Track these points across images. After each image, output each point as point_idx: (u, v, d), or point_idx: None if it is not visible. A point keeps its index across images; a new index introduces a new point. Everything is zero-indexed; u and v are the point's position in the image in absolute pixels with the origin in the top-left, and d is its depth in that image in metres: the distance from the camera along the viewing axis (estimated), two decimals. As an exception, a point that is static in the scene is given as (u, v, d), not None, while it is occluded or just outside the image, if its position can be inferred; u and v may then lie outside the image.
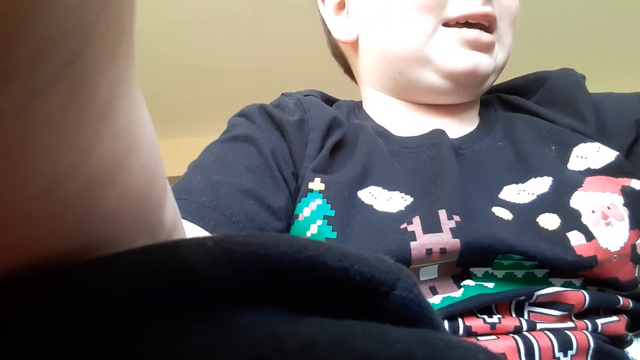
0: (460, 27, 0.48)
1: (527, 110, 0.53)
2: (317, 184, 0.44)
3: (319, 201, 0.43)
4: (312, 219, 0.43)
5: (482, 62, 0.48)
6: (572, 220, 0.40)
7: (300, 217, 0.43)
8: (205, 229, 0.38)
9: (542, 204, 0.42)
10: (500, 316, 0.38)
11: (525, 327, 0.37)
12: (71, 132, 0.10)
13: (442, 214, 0.40)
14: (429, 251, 0.38)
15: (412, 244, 0.39)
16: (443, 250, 0.38)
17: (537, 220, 0.41)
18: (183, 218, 0.37)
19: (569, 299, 0.39)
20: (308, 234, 0.42)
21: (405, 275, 0.15)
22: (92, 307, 0.12)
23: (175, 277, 0.12)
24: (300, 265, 0.14)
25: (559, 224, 0.40)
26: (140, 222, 0.15)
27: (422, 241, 0.39)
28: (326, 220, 0.42)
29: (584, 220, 0.40)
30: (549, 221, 0.41)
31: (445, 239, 0.39)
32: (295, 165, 0.47)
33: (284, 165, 0.46)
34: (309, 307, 0.14)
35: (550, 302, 0.39)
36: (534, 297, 0.38)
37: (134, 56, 0.13)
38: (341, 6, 0.56)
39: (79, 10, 0.09)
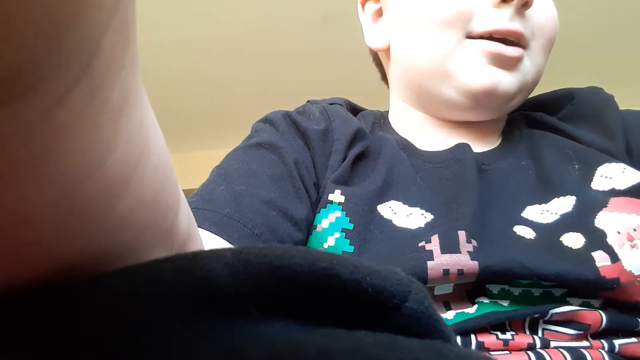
0: (485, 40, 0.47)
1: (551, 128, 0.52)
2: (337, 196, 0.44)
3: (338, 213, 0.43)
4: (330, 231, 0.42)
5: (503, 80, 0.47)
6: (597, 239, 0.40)
7: (319, 228, 0.43)
8: (228, 241, 0.38)
9: (566, 223, 0.41)
10: (513, 333, 0.38)
11: (538, 344, 0.37)
12: (89, 136, 0.11)
13: (462, 235, 0.40)
14: (446, 272, 0.38)
15: (429, 263, 0.38)
16: (460, 272, 0.38)
17: (560, 239, 0.40)
18: (207, 229, 0.37)
19: (585, 319, 0.38)
20: (325, 245, 0.42)
21: (416, 288, 0.15)
22: (116, 311, 0.12)
23: (195, 286, 0.13)
24: (314, 276, 0.14)
25: (583, 243, 0.40)
26: (154, 227, 0.15)
27: (440, 261, 0.38)
28: (344, 234, 0.42)
29: (610, 240, 0.39)
30: (573, 240, 0.40)
31: (463, 260, 0.38)
32: (317, 175, 0.46)
33: (306, 175, 0.45)
34: (322, 317, 0.14)
35: (566, 321, 0.38)
36: (549, 315, 0.38)
37: (138, 64, 0.13)
38: (379, 14, 0.56)
39: (95, 21, 0.09)
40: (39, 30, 0.08)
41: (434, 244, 0.39)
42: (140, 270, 0.13)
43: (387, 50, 0.55)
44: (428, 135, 0.52)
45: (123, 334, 0.12)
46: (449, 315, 0.39)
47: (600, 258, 0.38)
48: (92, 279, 0.13)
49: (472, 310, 0.38)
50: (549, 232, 0.41)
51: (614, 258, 0.38)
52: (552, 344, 0.37)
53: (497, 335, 0.37)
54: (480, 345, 0.37)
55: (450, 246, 0.39)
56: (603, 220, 0.41)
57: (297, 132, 0.48)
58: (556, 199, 0.44)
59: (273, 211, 0.41)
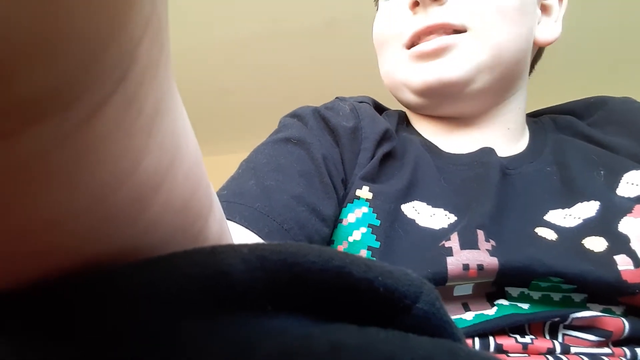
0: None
1: (579, 133, 0.52)
2: (365, 192, 0.45)
3: (365, 209, 0.44)
4: (357, 225, 0.43)
5: (441, 68, 0.48)
6: (620, 244, 0.39)
7: (344, 222, 0.44)
8: (258, 235, 0.39)
9: (589, 227, 0.41)
10: (533, 337, 0.37)
11: (558, 349, 0.37)
12: (122, 145, 0.11)
13: (480, 234, 0.40)
14: (466, 267, 0.38)
15: (449, 259, 0.38)
16: (480, 267, 0.38)
17: (582, 242, 0.40)
18: (238, 222, 0.38)
19: (606, 325, 0.37)
20: (350, 239, 0.43)
21: (427, 290, 0.16)
22: (135, 303, 0.13)
23: (213, 280, 0.13)
24: (327, 274, 0.14)
25: (605, 247, 0.39)
26: (181, 233, 0.16)
27: (459, 257, 0.38)
28: (370, 229, 0.42)
29: (633, 245, 0.39)
30: (596, 244, 0.40)
31: (482, 256, 0.38)
32: (345, 172, 0.47)
33: (334, 171, 0.46)
34: (334, 314, 0.14)
35: (587, 327, 0.38)
36: (569, 319, 0.37)
37: (171, 67, 0.13)
38: None
39: (130, 35, 0.10)
40: (76, 51, 0.09)
41: (454, 241, 0.40)
42: (159, 262, 0.14)
43: None
44: (448, 136, 0.53)
45: (141, 326, 0.13)
46: (467, 316, 0.38)
47: (622, 262, 0.38)
48: (111, 271, 0.13)
49: (491, 312, 0.38)
50: (572, 235, 0.41)
51: (637, 263, 0.38)
52: (573, 349, 0.37)
53: (516, 338, 0.37)
54: (499, 347, 0.37)
55: (469, 242, 0.39)
56: (627, 225, 0.40)
57: (326, 128, 0.49)
58: (580, 203, 0.44)
59: (302, 207, 0.42)
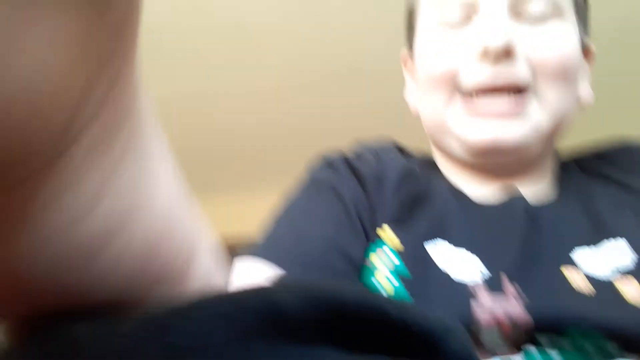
0: (479, 97, 0.47)
1: (603, 175, 0.52)
2: (389, 234, 0.45)
3: (395, 260, 0.43)
4: (382, 272, 0.43)
5: (504, 131, 0.46)
6: None
7: (367, 263, 0.44)
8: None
9: (622, 271, 0.40)
10: None
11: None
12: (71, 197, 0.13)
13: (505, 279, 0.39)
14: (494, 316, 0.37)
15: (475, 305, 0.38)
16: (511, 319, 0.37)
17: (618, 289, 0.39)
18: (272, 264, 0.41)
19: None
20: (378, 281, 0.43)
21: (459, 332, 0.16)
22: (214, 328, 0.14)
23: (272, 314, 0.15)
24: (366, 312, 0.15)
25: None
26: (149, 276, 0.17)
27: (486, 304, 0.38)
28: (401, 282, 0.42)
29: None
30: (631, 290, 0.38)
31: (512, 305, 0.37)
32: (373, 217, 0.47)
33: (365, 217, 0.47)
34: (372, 349, 0.15)
35: None
36: None
37: (148, 120, 0.15)
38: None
39: (61, 127, 0.11)
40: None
41: (479, 288, 0.39)
42: (223, 297, 0.15)
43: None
44: (479, 186, 0.52)
45: (214, 347, 0.14)
46: None
47: None
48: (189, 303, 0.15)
49: (518, 358, 0.37)
50: (604, 283, 0.39)
51: None
52: None
53: None
54: None
55: (494, 286, 0.39)
56: None
57: (355, 176, 0.50)
58: (606, 240, 0.43)
59: (334, 251, 0.43)
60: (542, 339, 0.38)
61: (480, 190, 0.51)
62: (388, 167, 0.50)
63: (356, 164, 0.50)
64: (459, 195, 0.50)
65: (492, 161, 0.49)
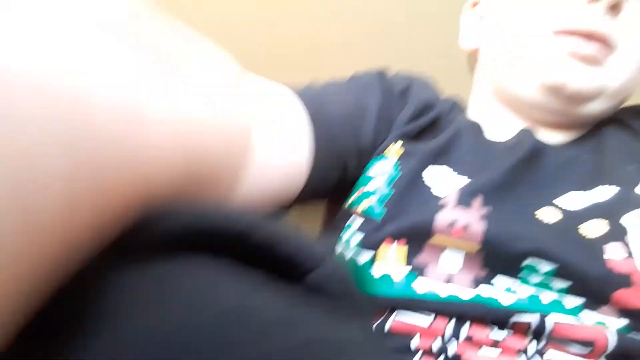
0: (573, 37, 0.45)
1: (627, 125, 0.50)
2: (397, 148, 0.47)
3: (389, 169, 0.45)
4: (373, 188, 0.44)
5: (578, 75, 0.46)
6: (616, 234, 0.37)
7: (367, 174, 0.46)
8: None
9: (595, 210, 0.40)
10: (511, 332, 0.36)
11: (531, 352, 0.35)
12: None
13: (479, 198, 0.40)
14: (452, 223, 0.38)
15: (439, 213, 0.39)
16: (465, 228, 0.38)
17: (579, 226, 0.39)
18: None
19: (591, 334, 0.35)
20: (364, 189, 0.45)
21: (328, 264, 0.20)
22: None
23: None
24: (230, 235, 0.19)
25: (603, 233, 0.38)
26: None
27: (450, 213, 0.39)
28: (382, 195, 0.43)
29: (629, 238, 0.37)
30: (593, 229, 0.38)
31: (473, 218, 0.38)
32: (390, 126, 0.49)
33: (382, 125, 0.48)
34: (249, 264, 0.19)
35: (570, 338, 0.35)
36: (551, 324, 0.35)
37: None
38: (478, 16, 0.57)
39: None
40: None
41: (450, 198, 0.40)
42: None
43: (476, 53, 0.56)
44: (498, 125, 0.52)
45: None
46: (442, 292, 0.38)
47: (612, 250, 0.36)
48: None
49: (466, 296, 0.37)
50: (572, 219, 0.39)
51: (629, 254, 0.36)
52: (547, 356, 0.35)
53: (489, 332, 0.36)
54: (469, 338, 0.36)
55: (464, 202, 0.40)
56: (630, 219, 0.38)
57: (385, 87, 0.50)
58: (601, 186, 0.43)
59: (347, 125, 0.45)
60: (498, 282, 0.38)
61: (501, 133, 0.50)
62: (417, 89, 0.52)
63: (393, 79, 0.52)
64: (476, 131, 0.50)
65: (556, 105, 0.48)
